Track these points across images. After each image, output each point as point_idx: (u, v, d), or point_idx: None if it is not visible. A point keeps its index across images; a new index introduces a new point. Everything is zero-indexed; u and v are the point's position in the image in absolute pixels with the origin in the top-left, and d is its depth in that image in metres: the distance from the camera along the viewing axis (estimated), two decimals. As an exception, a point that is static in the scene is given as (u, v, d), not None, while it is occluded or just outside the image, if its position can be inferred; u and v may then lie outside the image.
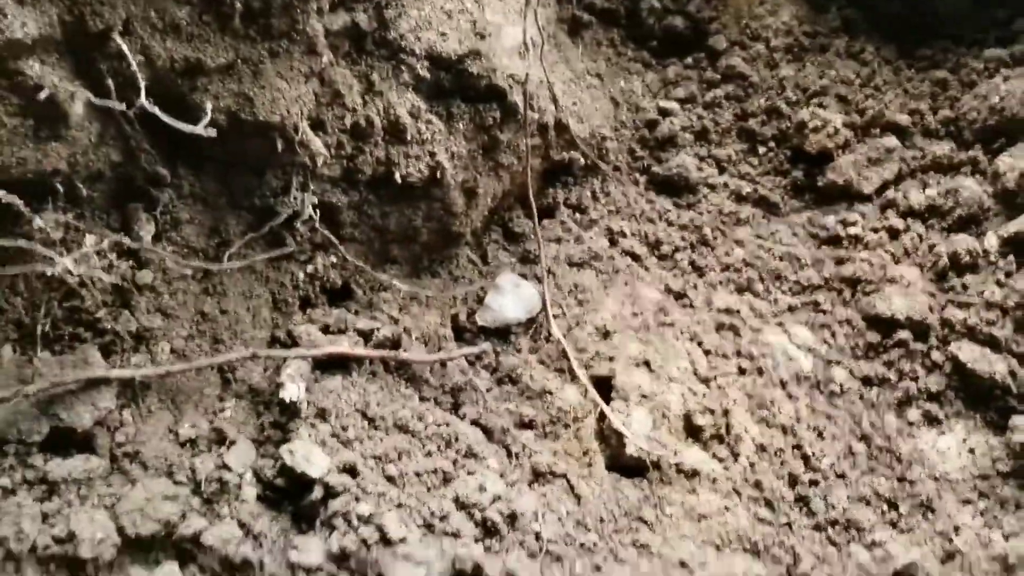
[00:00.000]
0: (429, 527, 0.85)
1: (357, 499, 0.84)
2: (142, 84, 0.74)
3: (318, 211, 0.93)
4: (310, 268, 0.98)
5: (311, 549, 0.81)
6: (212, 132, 0.74)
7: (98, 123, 0.80)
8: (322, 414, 0.90)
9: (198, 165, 0.87)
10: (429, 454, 0.92)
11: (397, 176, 0.95)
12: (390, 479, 0.87)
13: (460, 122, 1.00)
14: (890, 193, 1.22)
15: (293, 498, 0.86)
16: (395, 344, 1.02)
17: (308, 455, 0.86)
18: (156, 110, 0.73)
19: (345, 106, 0.90)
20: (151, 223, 0.87)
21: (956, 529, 0.97)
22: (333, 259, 1.00)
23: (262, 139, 0.84)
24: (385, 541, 0.81)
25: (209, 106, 0.75)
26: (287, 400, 0.87)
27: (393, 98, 0.93)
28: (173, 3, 0.76)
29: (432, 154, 0.97)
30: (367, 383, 0.96)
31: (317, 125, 0.89)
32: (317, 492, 0.85)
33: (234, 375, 0.92)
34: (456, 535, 0.85)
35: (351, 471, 0.87)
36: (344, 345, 0.97)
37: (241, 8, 0.77)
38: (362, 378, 0.96)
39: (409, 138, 0.94)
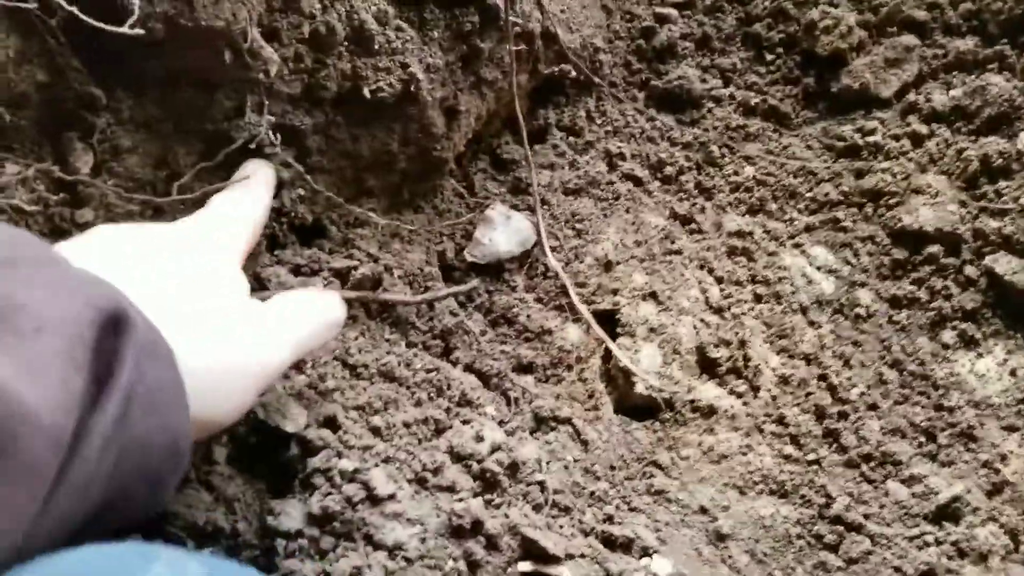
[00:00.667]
0: (421, 482, 0.76)
1: (339, 454, 0.75)
2: (58, -15, 0.63)
3: (279, 136, 0.82)
4: (275, 202, 0.87)
5: (290, 512, 0.71)
6: (139, 31, 0.63)
7: (17, 36, 0.69)
8: (296, 364, 0.80)
9: (137, 85, 0.76)
10: (419, 403, 0.83)
11: (366, 91, 0.83)
12: (375, 431, 0.78)
13: (435, 29, 0.88)
14: (911, 96, 1.11)
15: (268, 457, 0.76)
16: (376, 284, 0.92)
17: (283, 409, 0.76)
18: (74, 9, 0.62)
19: (302, 12, 0.78)
20: (88, 153, 0.76)
21: (1003, 458, 0.88)
22: (301, 191, 0.89)
23: (206, 50, 0.73)
24: (372, 499, 0.72)
25: (136, 2, 0.64)
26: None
27: (356, 2, 0.81)
28: None
29: (404, 65, 0.85)
30: (346, 329, 0.86)
31: (271, 35, 0.78)
32: (294, 449, 0.75)
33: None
34: (452, 489, 0.76)
35: (331, 424, 0.77)
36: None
37: None
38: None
39: (377, 48, 0.83)
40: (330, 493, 0.72)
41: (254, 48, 0.74)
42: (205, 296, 0.59)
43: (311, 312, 0.70)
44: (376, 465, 0.75)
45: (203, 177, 0.84)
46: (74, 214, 0.76)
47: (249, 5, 0.73)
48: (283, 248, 0.91)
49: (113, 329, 0.46)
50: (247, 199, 0.77)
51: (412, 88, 0.87)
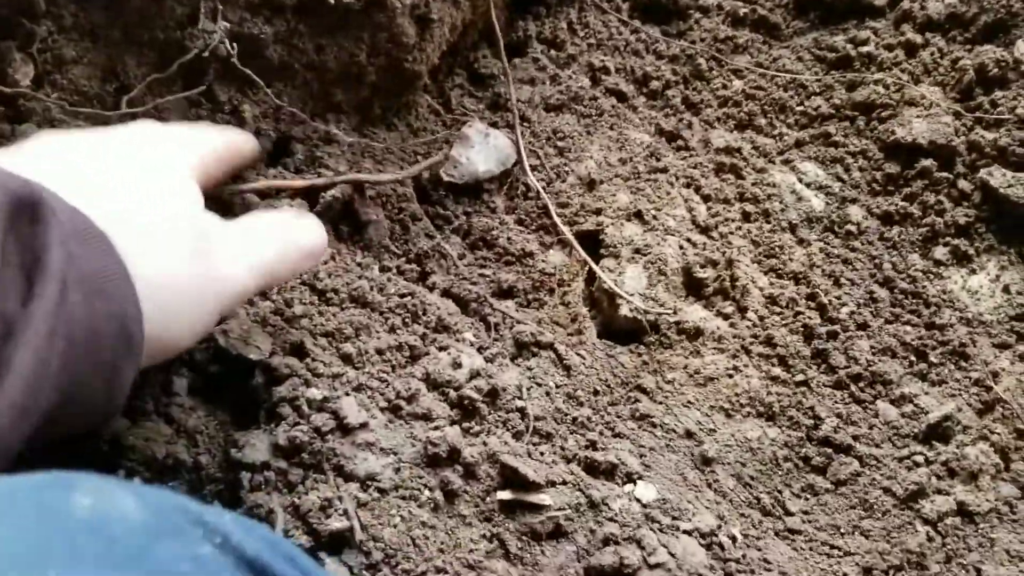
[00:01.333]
0: (395, 410, 0.73)
1: (307, 383, 0.71)
2: None
3: (235, 45, 0.76)
4: (234, 119, 0.82)
5: (255, 444, 0.68)
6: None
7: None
8: (261, 293, 0.76)
9: (77, -9, 0.71)
10: (392, 329, 0.79)
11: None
12: (346, 358, 0.74)
13: (403, -72, 0.82)
14: (905, 4, 1.06)
15: (232, 387, 0.73)
16: (346, 205, 0.88)
17: (246, 335, 0.73)
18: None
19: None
20: (28, 64, 0.70)
21: (994, 375, 0.86)
22: (263, 107, 0.84)
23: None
24: (343, 429, 0.69)
25: None
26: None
27: None
28: None
29: (368, -31, 0.79)
30: (315, 251, 0.81)
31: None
32: (259, 378, 0.72)
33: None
34: (428, 417, 0.73)
35: (298, 352, 0.74)
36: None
37: None
38: (308, 246, 0.81)
39: (338, -52, 0.77)
40: (298, 423, 0.69)
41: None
42: (153, 204, 0.55)
43: (282, 235, 0.66)
44: (346, 394, 0.72)
45: (155, 90, 0.78)
46: (15, 129, 0.71)
47: None
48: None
49: (30, 217, 0.43)
50: (211, 129, 0.73)
51: (378, -8, 0.81)
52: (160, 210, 0.55)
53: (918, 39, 1.04)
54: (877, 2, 1.07)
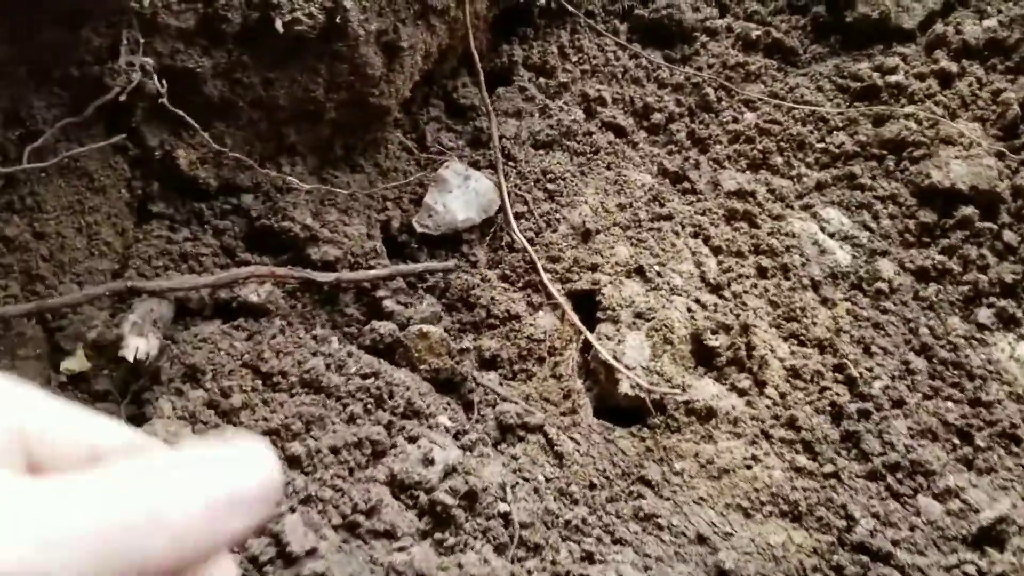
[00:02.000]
0: (351, 528, 0.60)
1: (246, 496, 0.59)
2: None
3: (166, 83, 0.64)
4: (167, 166, 0.70)
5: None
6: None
7: None
8: (192, 375, 0.63)
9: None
10: (352, 419, 0.67)
11: (279, 24, 0.65)
12: (293, 462, 0.62)
13: (365, -56, 0.70)
14: (938, 27, 0.95)
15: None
16: (305, 265, 0.76)
17: (174, 438, 0.60)
18: None
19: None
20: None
21: (1053, 465, 0.75)
22: (201, 151, 0.71)
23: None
24: (285, 558, 0.57)
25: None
26: (131, 359, 0.61)
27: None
28: None
29: (328, -9, 0.67)
30: (262, 325, 0.69)
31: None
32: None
33: (62, 328, 0.65)
34: (391, 535, 0.61)
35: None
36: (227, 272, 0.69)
37: None
38: (254, 319, 0.69)
39: (292, -31, 0.65)
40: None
41: None
42: None
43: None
44: (291, 509, 0.59)
45: (69, 136, 0.66)
46: None
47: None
48: (172, 222, 0.73)
49: None
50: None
51: (338, 19, 0.68)
52: None
53: (954, 67, 0.93)
54: (906, 25, 0.96)
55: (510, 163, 0.87)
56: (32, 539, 0.24)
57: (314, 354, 0.70)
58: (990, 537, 0.71)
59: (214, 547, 0.27)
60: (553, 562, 0.65)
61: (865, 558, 0.69)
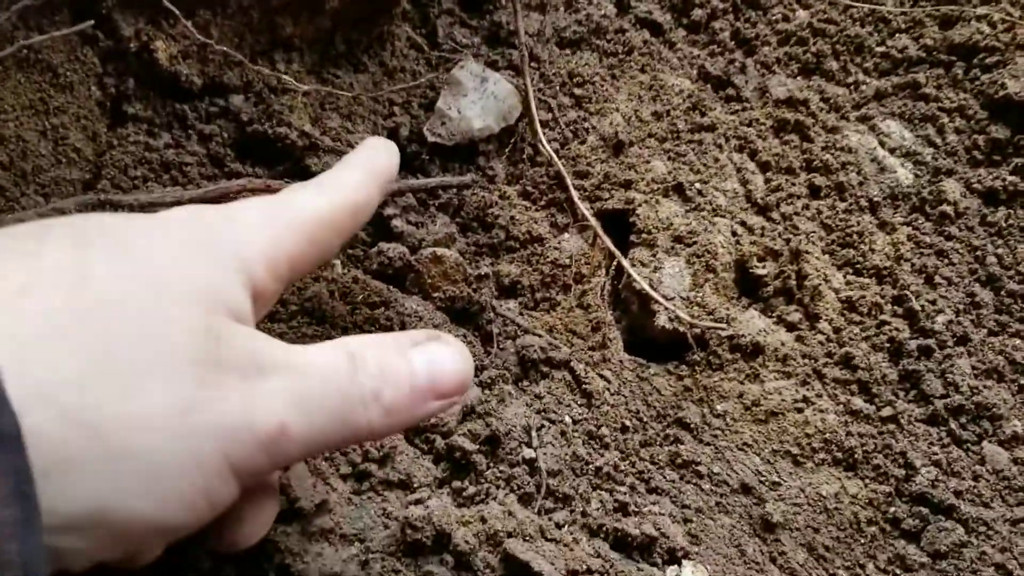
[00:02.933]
0: (361, 477, 0.53)
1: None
2: None
3: (137, -41, 0.54)
4: (143, 61, 0.60)
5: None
6: None
7: None
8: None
9: None
10: (359, 353, 0.59)
11: None
12: (294, 404, 0.55)
13: None
14: (1021, -86, 0.83)
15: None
16: (304, 177, 0.67)
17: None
18: None
19: None
20: None
21: None
22: (184, 43, 0.61)
23: None
24: (292, 514, 0.50)
25: None
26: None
27: None
28: None
29: None
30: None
31: None
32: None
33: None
34: (405, 485, 0.54)
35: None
36: (215, 184, 0.61)
37: None
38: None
39: None
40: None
41: None
42: (123, 306, 0.34)
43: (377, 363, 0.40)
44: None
45: (29, 22, 0.56)
46: None
47: None
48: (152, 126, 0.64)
49: None
50: (315, 185, 0.48)
51: None
52: (141, 331, 0.34)
53: (1034, -39, 0.82)
54: (982, -90, 0.84)
55: (532, 64, 0.77)
56: (287, 402, 0.36)
57: (315, 279, 0.61)
58: (1062, 489, 0.65)
59: (407, 425, 0.41)
60: (584, 513, 0.58)
61: (925, 510, 0.63)
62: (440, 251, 0.66)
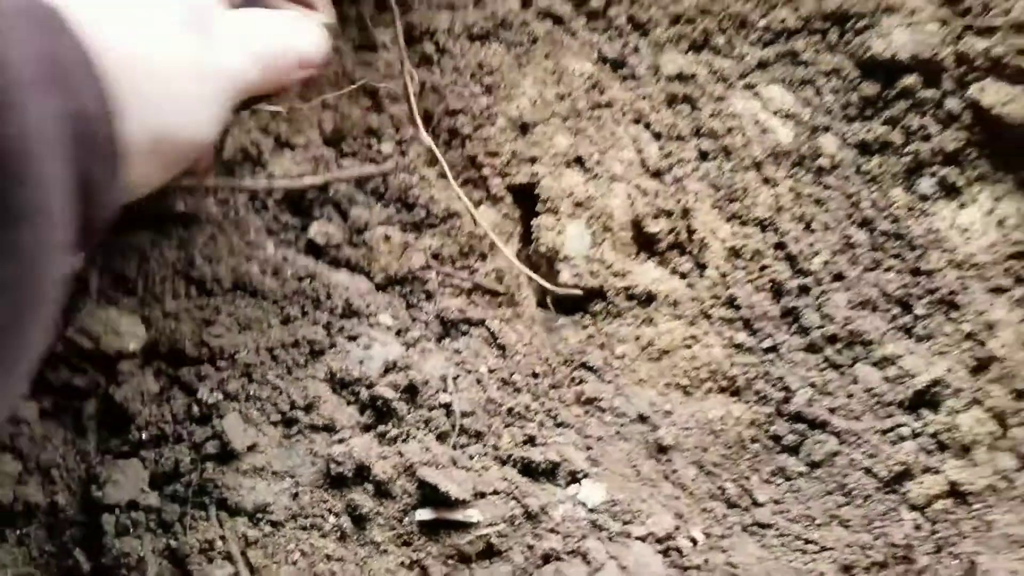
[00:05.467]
0: (290, 423, 0.62)
1: (183, 395, 0.60)
2: None
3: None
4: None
5: (119, 480, 0.57)
6: None
7: None
8: (123, 282, 0.64)
9: None
10: (288, 320, 0.67)
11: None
12: (229, 364, 0.63)
13: None
14: None
15: (93, 403, 0.61)
16: (256, 160, 0.75)
17: (112, 323, 0.61)
18: None
19: None
20: None
21: (989, 327, 0.76)
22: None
23: None
24: (227, 455, 0.58)
25: None
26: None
27: None
28: None
29: None
30: (192, 231, 0.69)
31: None
32: (124, 388, 0.60)
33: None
34: (330, 428, 0.62)
35: (173, 358, 0.62)
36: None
37: None
38: (182, 227, 0.69)
39: None
40: (169, 453, 0.58)
41: None
42: None
43: (286, 30, 0.55)
44: (232, 409, 0.60)
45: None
46: None
47: None
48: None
49: None
50: None
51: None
52: None
53: (898, -68, 0.90)
54: None
55: (446, 56, 0.85)
56: (246, 54, 0.50)
57: (247, 259, 0.70)
58: (925, 400, 0.73)
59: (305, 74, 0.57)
60: (495, 447, 0.67)
61: (802, 426, 0.71)
62: (383, 230, 0.74)
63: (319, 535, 0.58)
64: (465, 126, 0.83)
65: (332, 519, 0.59)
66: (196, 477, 0.57)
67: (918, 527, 0.67)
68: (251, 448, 0.58)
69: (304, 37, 0.56)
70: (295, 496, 0.58)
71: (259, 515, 0.57)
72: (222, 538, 0.56)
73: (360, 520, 0.59)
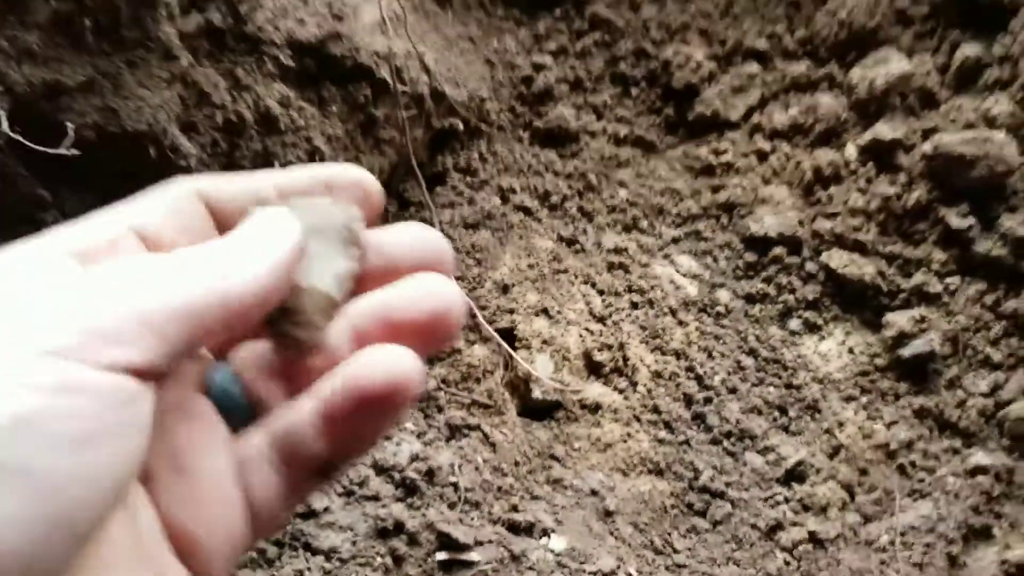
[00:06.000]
0: (349, 494, 0.91)
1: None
2: (3, 112, 0.76)
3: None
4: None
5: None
6: (74, 151, 0.76)
7: (-35, 153, 0.81)
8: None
9: (78, 183, 0.89)
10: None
11: (276, 165, 0.97)
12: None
13: (332, 105, 1.03)
14: (755, 117, 1.29)
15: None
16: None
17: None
18: (19, 137, 0.74)
19: (214, 104, 0.92)
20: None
21: (840, 424, 1.06)
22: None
23: (134, 148, 0.86)
24: (309, 514, 0.87)
25: (71, 126, 0.77)
26: None
27: (261, 90, 0.95)
28: (22, 29, 0.77)
29: (308, 139, 0.99)
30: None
31: (189, 127, 0.91)
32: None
33: None
34: (376, 498, 0.91)
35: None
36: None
37: (90, 25, 0.79)
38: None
39: (283, 127, 0.97)
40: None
41: (174, 143, 0.88)
42: None
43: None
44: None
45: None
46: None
47: (167, 108, 0.87)
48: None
49: None
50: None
51: (317, 158, 1.01)
52: None
53: (767, 146, 1.27)
54: (732, 117, 1.30)
55: (450, 240, 1.19)
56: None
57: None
58: (794, 476, 1.02)
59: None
60: (489, 512, 0.95)
61: (708, 496, 1.00)
62: None
63: (371, 570, 0.86)
64: (463, 289, 1.16)
65: (379, 559, 0.86)
66: (290, 527, 0.85)
67: (787, 563, 0.95)
68: (325, 510, 0.87)
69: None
70: (354, 543, 0.86)
71: (331, 554, 0.85)
72: (308, 569, 0.83)
73: (398, 560, 0.87)
